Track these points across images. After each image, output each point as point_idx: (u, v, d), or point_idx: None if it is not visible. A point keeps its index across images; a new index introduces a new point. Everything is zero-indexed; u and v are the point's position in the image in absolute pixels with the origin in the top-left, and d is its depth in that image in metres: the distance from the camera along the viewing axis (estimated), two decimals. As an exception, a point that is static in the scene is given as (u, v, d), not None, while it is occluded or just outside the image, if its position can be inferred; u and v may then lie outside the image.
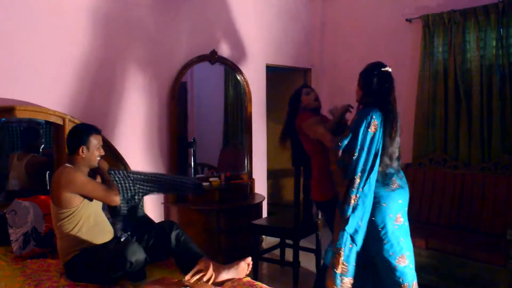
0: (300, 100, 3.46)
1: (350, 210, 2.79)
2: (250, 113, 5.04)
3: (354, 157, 2.80)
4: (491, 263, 3.38)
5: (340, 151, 2.84)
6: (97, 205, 2.74)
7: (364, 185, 2.80)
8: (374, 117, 2.81)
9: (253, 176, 5.04)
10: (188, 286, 2.23)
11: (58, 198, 2.58)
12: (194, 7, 4.57)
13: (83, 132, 2.72)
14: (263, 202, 4.84)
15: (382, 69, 2.96)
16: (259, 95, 5.22)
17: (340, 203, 2.86)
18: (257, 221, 4.08)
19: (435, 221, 4.22)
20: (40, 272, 2.66)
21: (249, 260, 2.69)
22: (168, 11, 4.37)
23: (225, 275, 2.60)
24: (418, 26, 4.73)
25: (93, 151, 2.71)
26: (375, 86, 2.92)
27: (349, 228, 2.81)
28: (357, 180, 2.80)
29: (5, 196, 3.52)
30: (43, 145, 3.78)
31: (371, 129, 2.79)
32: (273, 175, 5.70)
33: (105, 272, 2.44)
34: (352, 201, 2.79)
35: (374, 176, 2.82)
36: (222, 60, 4.73)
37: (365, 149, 2.80)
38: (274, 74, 5.57)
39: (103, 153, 2.79)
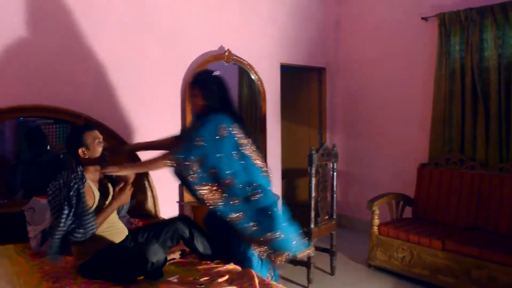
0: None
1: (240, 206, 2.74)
2: (265, 112, 5.03)
3: (207, 164, 2.68)
4: (509, 265, 3.33)
5: (186, 161, 2.67)
6: None
7: (245, 188, 2.74)
8: (221, 120, 2.74)
9: (268, 176, 5.03)
10: (203, 285, 2.23)
11: None
12: (208, 7, 4.58)
13: (74, 135, 2.70)
14: (277, 201, 4.82)
15: (214, 74, 2.95)
16: (274, 94, 5.21)
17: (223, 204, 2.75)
18: (271, 221, 4.07)
19: (451, 222, 4.17)
20: (57, 269, 2.67)
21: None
22: (182, 11, 4.39)
23: None
24: (434, 25, 4.68)
25: (94, 147, 2.64)
26: (218, 92, 2.88)
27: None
28: (228, 182, 2.71)
29: (23, 193, 3.57)
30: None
31: (222, 133, 2.70)
32: (287, 175, 5.69)
33: (123, 271, 2.45)
34: (237, 201, 2.73)
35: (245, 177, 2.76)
36: (237, 60, 4.73)
37: (223, 154, 2.71)
38: (288, 73, 5.56)
39: (104, 145, 2.70)
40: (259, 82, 4.95)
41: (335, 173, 4.17)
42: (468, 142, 4.36)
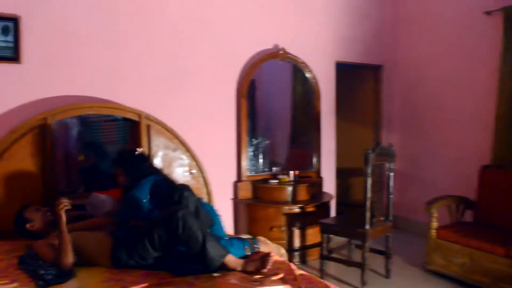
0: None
1: None
2: (319, 111, 4.99)
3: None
4: None
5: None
6: None
7: None
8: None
9: (322, 175, 5.00)
10: (257, 282, 2.26)
11: None
12: (263, 5, 4.60)
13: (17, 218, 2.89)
14: (332, 201, 4.79)
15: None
16: (328, 92, 5.16)
17: None
18: (325, 220, 4.05)
19: (516, 227, 3.96)
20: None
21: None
22: (237, 10, 4.43)
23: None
24: (498, 19, 4.46)
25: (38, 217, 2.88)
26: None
27: None
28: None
29: (84, 188, 3.75)
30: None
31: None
32: (342, 174, 5.62)
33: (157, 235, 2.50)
34: None
35: None
36: (291, 58, 4.72)
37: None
38: (343, 71, 5.48)
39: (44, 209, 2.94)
40: (313, 81, 4.91)
41: (391, 173, 4.07)
42: (536, 143, 4.13)
